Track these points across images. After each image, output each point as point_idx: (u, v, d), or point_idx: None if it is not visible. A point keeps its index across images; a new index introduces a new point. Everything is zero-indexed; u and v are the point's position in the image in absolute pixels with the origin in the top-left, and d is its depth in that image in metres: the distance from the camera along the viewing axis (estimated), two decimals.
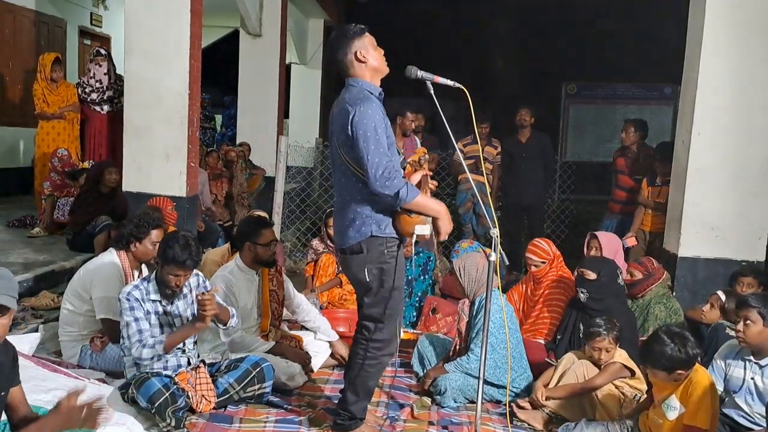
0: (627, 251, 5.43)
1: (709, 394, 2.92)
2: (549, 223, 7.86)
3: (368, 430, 3.21)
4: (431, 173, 3.18)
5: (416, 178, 3.08)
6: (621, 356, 3.56)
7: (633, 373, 3.50)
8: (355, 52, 2.97)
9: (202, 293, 3.23)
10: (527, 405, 3.62)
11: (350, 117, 2.85)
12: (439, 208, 2.93)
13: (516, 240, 6.81)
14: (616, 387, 3.49)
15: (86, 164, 6.70)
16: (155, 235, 3.73)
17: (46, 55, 6.90)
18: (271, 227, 4.05)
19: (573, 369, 3.62)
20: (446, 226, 2.94)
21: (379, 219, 2.95)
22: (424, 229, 2.90)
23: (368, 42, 3.00)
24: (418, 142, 6.48)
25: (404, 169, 3.19)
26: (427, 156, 3.23)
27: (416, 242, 3.00)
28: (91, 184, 5.71)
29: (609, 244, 4.76)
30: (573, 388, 3.53)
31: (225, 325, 3.43)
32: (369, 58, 2.98)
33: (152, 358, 3.22)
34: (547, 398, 3.56)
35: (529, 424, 3.50)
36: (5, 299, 2.35)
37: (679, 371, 2.94)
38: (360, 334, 3.10)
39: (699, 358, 3.77)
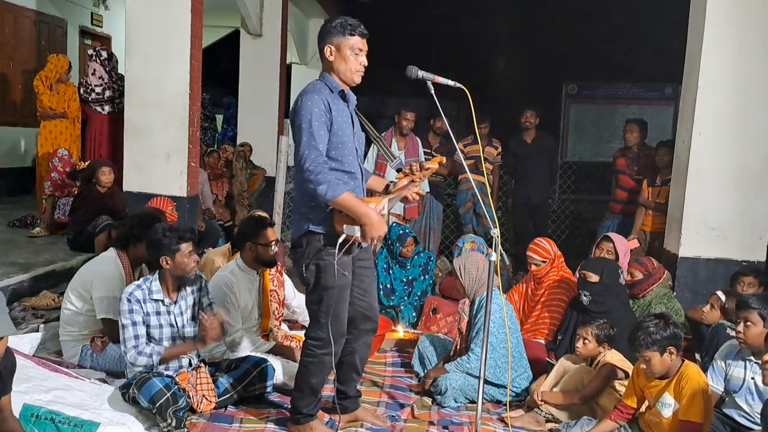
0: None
1: (702, 388, 2.95)
2: (549, 223, 7.86)
3: (320, 426, 3.18)
4: (421, 180, 3.06)
5: (402, 183, 3.05)
6: (613, 357, 3.57)
7: (627, 375, 3.49)
8: (324, 47, 2.94)
9: (207, 315, 3.29)
10: (521, 411, 3.62)
11: (294, 107, 2.88)
12: (363, 212, 2.76)
13: (523, 240, 6.82)
14: (615, 389, 3.50)
15: (87, 164, 6.71)
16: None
17: (62, 58, 6.92)
18: (272, 227, 4.05)
19: (571, 375, 3.63)
20: (371, 232, 2.76)
21: (315, 215, 2.92)
22: (352, 230, 2.79)
23: (346, 45, 2.91)
24: (419, 142, 6.48)
25: (399, 171, 3.16)
26: (421, 163, 3.13)
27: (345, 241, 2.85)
28: (87, 184, 5.72)
29: (622, 246, 4.74)
30: (570, 397, 3.53)
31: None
32: (335, 60, 2.93)
33: (145, 365, 3.22)
34: (543, 401, 3.57)
35: (527, 429, 3.50)
36: (8, 327, 2.29)
37: (671, 349, 2.98)
38: (306, 331, 3.13)
39: (700, 358, 3.80)
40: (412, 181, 3.03)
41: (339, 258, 2.85)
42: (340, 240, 2.81)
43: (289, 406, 3.24)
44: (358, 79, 2.98)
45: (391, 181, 3.18)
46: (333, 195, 2.76)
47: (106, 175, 5.61)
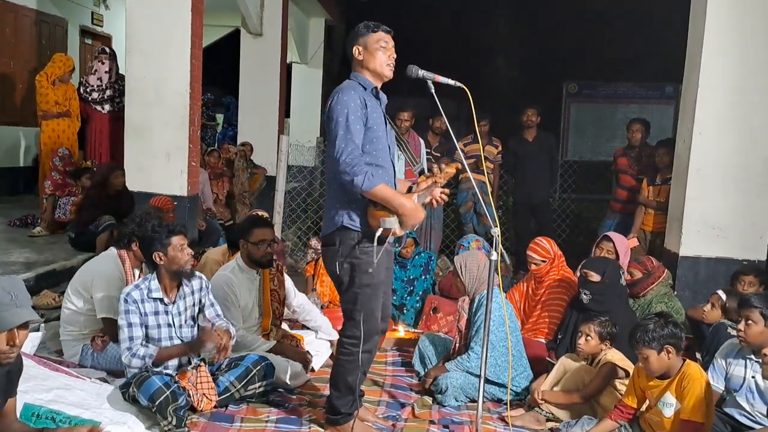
0: None
1: (703, 387, 2.94)
2: (550, 222, 7.86)
3: (360, 425, 3.19)
4: (442, 182, 3.03)
5: (423, 185, 3.02)
6: (614, 356, 3.57)
7: (628, 374, 3.49)
8: (354, 49, 3.02)
9: (216, 329, 3.27)
10: (521, 410, 3.62)
11: (330, 103, 2.94)
12: (400, 201, 2.80)
13: (524, 240, 6.81)
14: (616, 389, 3.49)
15: (89, 163, 6.72)
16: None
17: (69, 58, 6.99)
18: (266, 226, 4.02)
19: (572, 375, 3.62)
20: (409, 222, 2.83)
21: (351, 210, 2.94)
22: (390, 223, 2.79)
23: (371, 41, 2.99)
24: (422, 142, 6.47)
25: (420, 175, 3.16)
26: (443, 168, 3.11)
27: (382, 235, 2.85)
28: (97, 187, 5.70)
29: (622, 246, 4.73)
30: (571, 397, 3.53)
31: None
32: (363, 57, 3.01)
33: (140, 367, 3.22)
34: (543, 400, 3.57)
35: (528, 428, 3.49)
36: (32, 313, 2.34)
37: (669, 348, 2.97)
38: (341, 329, 3.13)
39: (700, 357, 3.80)
40: (435, 182, 3.00)
41: (376, 254, 2.86)
42: (378, 233, 2.81)
43: (327, 406, 3.24)
44: (389, 72, 3.03)
45: (414, 183, 3.18)
46: (370, 186, 2.79)
47: (119, 179, 5.60)
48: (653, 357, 2.99)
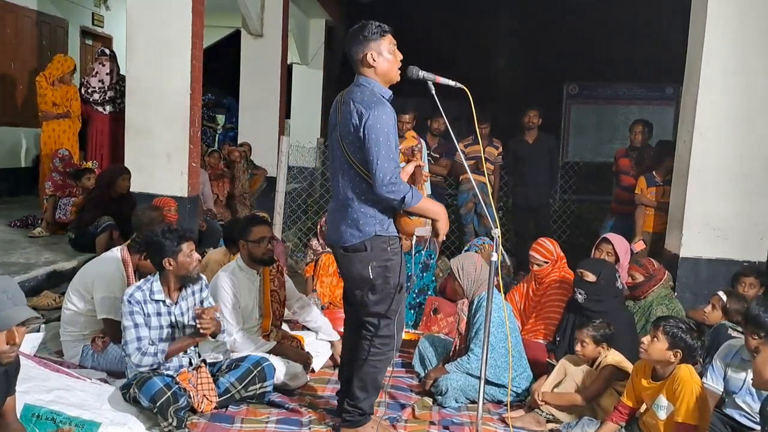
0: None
1: (695, 390, 2.94)
2: (550, 223, 7.86)
3: (375, 423, 3.21)
4: (424, 164, 3.18)
5: (409, 169, 3.08)
6: (614, 358, 3.57)
7: (627, 375, 3.48)
8: (366, 54, 2.93)
9: (201, 308, 3.29)
10: (522, 411, 3.62)
11: (364, 120, 2.83)
12: (439, 210, 2.99)
13: (524, 241, 6.81)
14: (616, 390, 3.49)
15: (90, 164, 6.72)
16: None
17: (69, 59, 6.99)
18: (264, 224, 4.02)
19: (572, 376, 3.62)
20: (444, 227, 3.00)
21: (382, 219, 2.98)
22: (423, 231, 2.98)
23: (384, 46, 2.94)
24: (423, 143, 6.47)
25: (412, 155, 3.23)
26: (420, 145, 3.27)
27: (416, 244, 3.06)
28: (102, 189, 5.68)
29: (621, 247, 4.73)
30: (572, 398, 3.53)
31: (215, 338, 3.46)
32: (378, 64, 2.94)
33: (151, 365, 3.23)
34: (543, 401, 3.57)
35: (528, 430, 3.49)
36: (30, 311, 2.34)
37: (678, 351, 3.00)
38: (366, 330, 3.10)
39: (701, 359, 3.79)
40: (417, 166, 3.11)
41: (401, 258, 3.04)
42: (414, 241, 3.03)
43: (347, 409, 3.18)
44: (398, 77, 3.02)
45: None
46: (416, 201, 2.89)
47: (126, 182, 5.57)
48: (660, 345, 3.01)
